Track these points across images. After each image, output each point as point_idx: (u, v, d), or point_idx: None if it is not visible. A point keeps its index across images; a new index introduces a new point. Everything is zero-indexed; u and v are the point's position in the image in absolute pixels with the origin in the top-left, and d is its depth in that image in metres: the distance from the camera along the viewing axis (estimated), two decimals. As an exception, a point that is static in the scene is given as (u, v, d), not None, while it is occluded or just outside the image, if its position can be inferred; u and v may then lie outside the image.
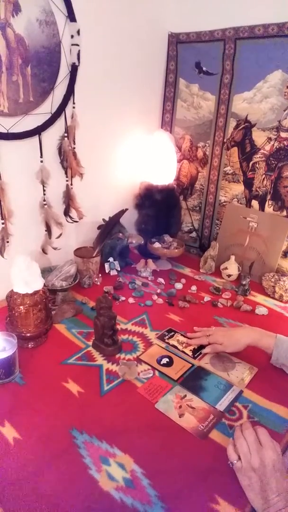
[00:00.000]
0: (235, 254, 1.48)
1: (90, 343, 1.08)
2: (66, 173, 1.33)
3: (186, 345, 1.08)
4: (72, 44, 1.19)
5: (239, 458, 0.71)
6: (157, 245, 1.53)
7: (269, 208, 1.45)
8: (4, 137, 1.12)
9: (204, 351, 1.05)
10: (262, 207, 1.47)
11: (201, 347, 1.07)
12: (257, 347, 0.99)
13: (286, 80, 1.28)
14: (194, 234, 1.73)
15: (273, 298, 1.35)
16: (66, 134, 1.28)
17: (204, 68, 1.49)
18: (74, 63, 1.22)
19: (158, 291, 1.37)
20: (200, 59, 1.49)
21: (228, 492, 0.70)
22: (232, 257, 1.46)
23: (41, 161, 1.24)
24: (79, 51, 1.21)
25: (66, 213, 1.39)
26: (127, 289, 1.37)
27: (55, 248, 1.38)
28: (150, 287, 1.40)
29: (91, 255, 1.40)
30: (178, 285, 1.40)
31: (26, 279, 1.01)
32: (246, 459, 0.70)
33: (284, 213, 1.41)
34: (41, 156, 1.23)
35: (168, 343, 1.09)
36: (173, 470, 0.73)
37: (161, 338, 1.11)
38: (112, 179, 1.58)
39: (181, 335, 1.13)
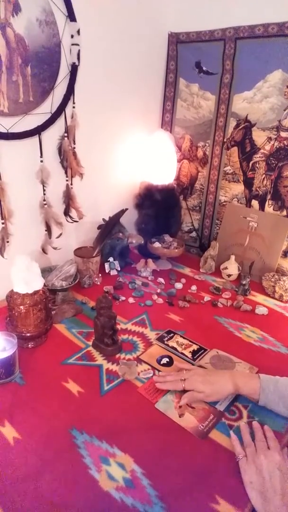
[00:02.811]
0: (235, 254, 1.48)
1: (90, 343, 1.08)
2: (66, 173, 1.33)
3: (185, 347, 1.08)
4: (72, 44, 1.19)
5: (245, 455, 0.73)
6: (157, 245, 1.53)
7: (269, 208, 1.45)
8: (4, 137, 1.12)
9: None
10: (262, 207, 1.47)
11: (201, 349, 1.07)
12: (241, 392, 0.87)
13: (286, 80, 1.28)
14: (194, 234, 1.73)
15: (273, 298, 1.35)
16: (66, 134, 1.28)
17: (204, 68, 1.49)
18: (74, 63, 1.22)
19: (158, 291, 1.37)
20: (200, 59, 1.49)
21: (228, 492, 0.70)
22: (232, 257, 1.46)
23: (41, 161, 1.23)
24: (79, 51, 1.21)
25: (66, 213, 1.39)
26: (127, 289, 1.37)
27: (55, 248, 1.38)
28: (150, 287, 1.40)
29: (91, 255, 1.40)
30: (178, 285, 1.40)
31: (26, 279, 1.01)
32: (252, 457, 0.71)
33: (284, 213, 1.41)
34: (41, 156, 1.23)
35: (168, 345, 1.08)
36: (173, 470, 0.73)
37: (160, 339, 1.11)
38: (112, 179, 1.58)
39: (181, 336, 1.13)
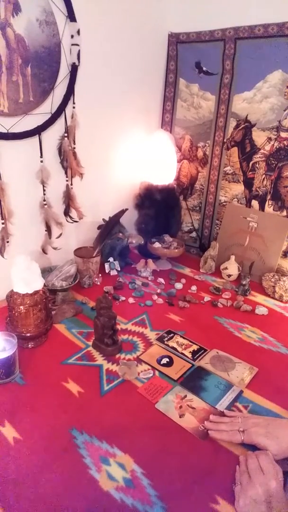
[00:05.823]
0: (235, 254, 1.48)
1: (90, 343, 1.07)
2: (66, 173, 1.33)
3: (185, 347, 1.08)
4: (72, 44, 1.19)
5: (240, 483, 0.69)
6: (157, 245, 1.53)
7: (269, 208, 1.45)
8: (4, 137, 1.12)
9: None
10: (262, 207, 1.47)
11: (201, 349, 1.07)
12: None
13: (286, 80, 1.28)
14: (194, 234, 1.73)
15: (273, 298, 1.35)
16: (66, 134, 1.28)
17: (204, 68, 1.49)
18: (74, 63, 1.22)
19: (158, 291, 1.37)
20: (200, 59, 1.49)
21: (228, 492, 0.70)
22: (232, 257, 1.46)
23: (41, 161, 1.24)
24: (79, 51, 1.21)
25: (66, 213, 1.39)
26: (127, 289, 1.37)
27: (55, 248, 1.38)
28: (150, 287, 1.40)
29: (91, 255, 1.40)
30: (178, 285, 1.40)
31: (26, 279, 1.01)
32: (245, 486, 0.68)
33: (284, 213, 1.41)
34: (41, 156, 1.23)
35: (168, 345, 1.08)
36: (173, 470, 0.73)
37: (160, 340, 1.11)
38: (112, 179, 1.58)
39: (181, 336, 1.13)
